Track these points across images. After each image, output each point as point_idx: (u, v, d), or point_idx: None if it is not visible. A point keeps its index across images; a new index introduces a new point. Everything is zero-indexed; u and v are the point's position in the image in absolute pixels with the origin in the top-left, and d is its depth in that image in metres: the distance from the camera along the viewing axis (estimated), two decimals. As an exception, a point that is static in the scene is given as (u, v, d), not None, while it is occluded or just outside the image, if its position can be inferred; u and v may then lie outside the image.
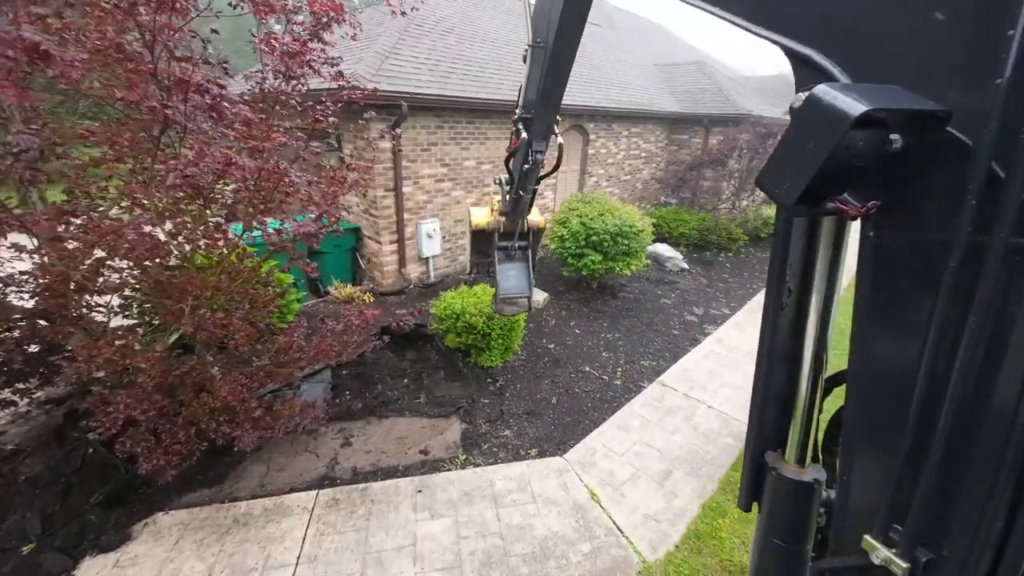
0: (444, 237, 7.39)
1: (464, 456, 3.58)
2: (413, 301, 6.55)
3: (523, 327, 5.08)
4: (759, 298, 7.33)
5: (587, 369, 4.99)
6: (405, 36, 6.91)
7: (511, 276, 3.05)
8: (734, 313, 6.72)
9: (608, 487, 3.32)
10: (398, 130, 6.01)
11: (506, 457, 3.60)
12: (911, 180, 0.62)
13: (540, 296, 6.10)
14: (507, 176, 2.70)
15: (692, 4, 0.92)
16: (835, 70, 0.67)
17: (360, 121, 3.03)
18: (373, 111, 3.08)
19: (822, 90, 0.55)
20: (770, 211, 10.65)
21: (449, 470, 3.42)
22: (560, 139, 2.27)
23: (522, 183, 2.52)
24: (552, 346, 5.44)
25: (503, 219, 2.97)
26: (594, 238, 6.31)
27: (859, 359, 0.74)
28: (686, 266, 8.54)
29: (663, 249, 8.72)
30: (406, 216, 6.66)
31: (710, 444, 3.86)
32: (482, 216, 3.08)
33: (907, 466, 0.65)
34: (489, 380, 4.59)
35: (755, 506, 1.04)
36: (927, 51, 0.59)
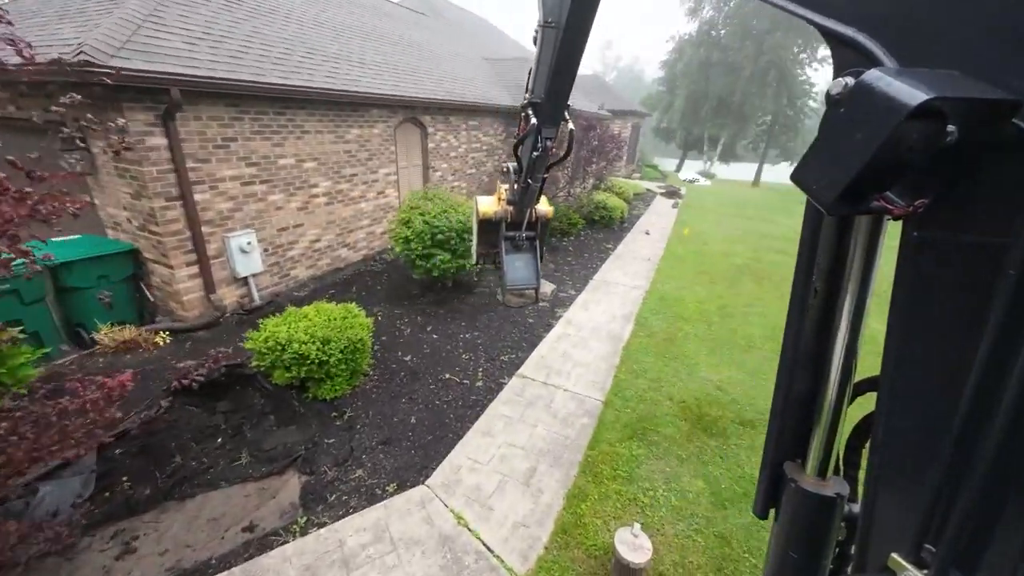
0: (267, 250, 6.24)
1: (305, 518, 2.97)
2: (232, 333, 5.36)
3: (371, 343, 4.55)
4: (599, 276, 8.09)
5: (447, 376, 4.73)
6: (167, 1, 5.44)
7: (519, 267, 3.02)
8: (579, 293, 7.25)
9: (475, 504, 3.13)
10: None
11: (359, 503, 3.11)
12: (966, 176, 0.56)
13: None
14: (515, 164, 2.53)
15: None
16: (880, 53, 0.60)
17: (52, 108, 2.09)
18: (73, 93, 2.15)
19: (874, 76, 0.50)
20: (601, 196, 11.93)
21: (285, 542, 2.79)
22: (571, 125, 2.19)
23: (531, 171, 2.40)
24: (409, 358, 5.02)
25: (511, 208, 2.86)
26: (440, 236, 6.03)
27: (894, 366, 0.68)
28: (535, 254, 8.94)
29: (513, 239, 8.95)
30: (206, 229, 5.37)
31: (568, 428, 3.99)
32: (489, 205, 2.96)
33: (946, 481, 0.60)
34: (334, 414, 3.97)
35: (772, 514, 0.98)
36: (992, 31, 0.52)
